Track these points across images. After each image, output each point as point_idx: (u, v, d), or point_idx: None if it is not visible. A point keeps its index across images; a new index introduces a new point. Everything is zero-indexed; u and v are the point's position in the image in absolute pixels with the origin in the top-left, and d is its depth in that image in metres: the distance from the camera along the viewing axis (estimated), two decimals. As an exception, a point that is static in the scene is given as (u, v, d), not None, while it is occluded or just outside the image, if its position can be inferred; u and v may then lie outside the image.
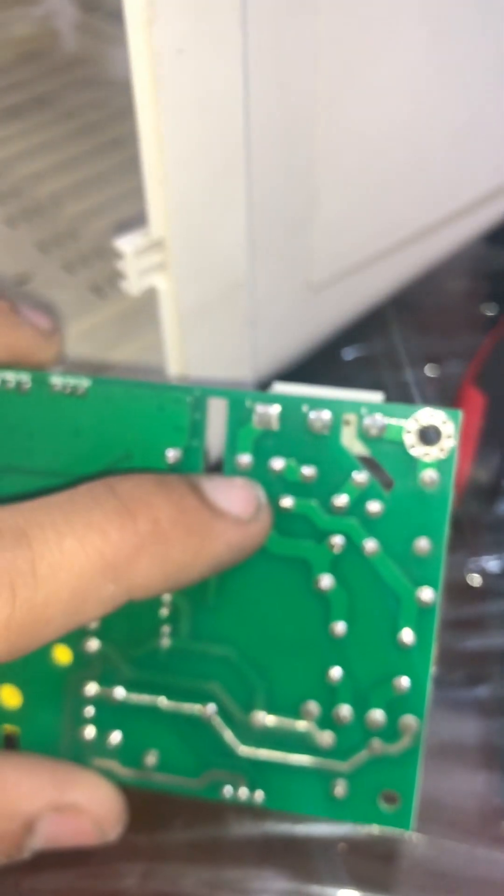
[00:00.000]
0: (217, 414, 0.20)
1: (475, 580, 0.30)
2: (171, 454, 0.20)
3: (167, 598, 0.21)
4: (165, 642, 0.21)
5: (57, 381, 0.20)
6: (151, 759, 0.21)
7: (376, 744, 0.20)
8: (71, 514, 0.17)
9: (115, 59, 0.48)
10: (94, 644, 0.21)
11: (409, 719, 0.20)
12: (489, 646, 0.28)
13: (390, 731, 0.20)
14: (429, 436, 0.19)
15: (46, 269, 0.37)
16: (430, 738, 0.26)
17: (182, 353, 0.24)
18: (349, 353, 0.37)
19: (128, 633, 0.21)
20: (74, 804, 0.20)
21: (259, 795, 0.21)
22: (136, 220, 0.22)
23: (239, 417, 0.20)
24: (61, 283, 0.36)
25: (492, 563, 0.30)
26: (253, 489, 0.19)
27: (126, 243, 0.22)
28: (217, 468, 0.20)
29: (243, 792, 0.21)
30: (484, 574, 0.30)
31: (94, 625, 0.21)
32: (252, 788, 0.21)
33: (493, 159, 0.33)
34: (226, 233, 0.23)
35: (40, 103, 0.46)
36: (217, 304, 0.24)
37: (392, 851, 0.24)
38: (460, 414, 0.19)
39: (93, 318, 0.35)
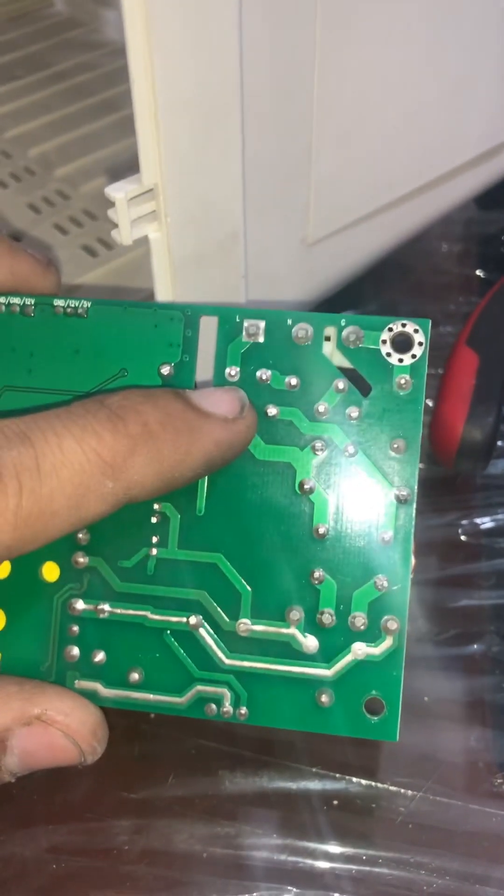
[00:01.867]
0: (207, 332, 0.21)
1: (465, 539, 0.30)
2: (165, 370, 0.21)
3: (156, 506, 0.21)
4: (154, 552, 0.21)
5: (59, 302, 0.22)
6: (136, 676, 0.21)
7: (360, 646, 0.21)
8: (67, 421, 0.18)
9: (108, 21, 0.47)
10: (83, 558, 0.22)
11: (391, 620, 0.21)
12: (481, 604, 0.28)
13: (373, 633, 0.21)
14: (402, 343, 0.21)
15: (39, 229, 0.37)
16: (423, 695, 0.26)
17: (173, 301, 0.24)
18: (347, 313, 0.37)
19: (117, 544, 0.22)
20: (43, 715, 0.20)
21: (243, 712, 0.21)
22: (129, 168, 0.22)
23: (228, 332, 0.21)
24: (54, 242, 0.36)
25: (484, 523, 0.30)
26: (236, 393, 0.20)
27: (117, 190, 0.21)
28: (207, 384, 0.21)
29: (227, 709, 0.21)
30: (476, 533, 0.30)
31: (83, 538, 0.21)
32: (236, 705, 0.21)
33: (486, 122, 0.33)
34: (220, 182, 0.23)
35: (32, 64, 0.46)
36: (212, 255, 0.24)
37: (386, 807, 0.24)
38: (429, 323, 0.21)
39: (85, 277, 0.35)
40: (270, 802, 0.24)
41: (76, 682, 0.22)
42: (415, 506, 0.21)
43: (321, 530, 0.21)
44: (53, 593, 0.22)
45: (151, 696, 0.21)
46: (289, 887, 0.23)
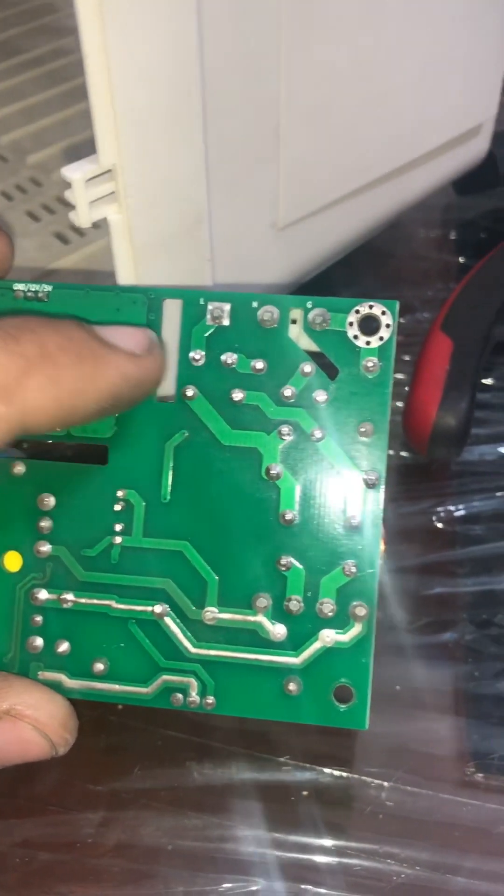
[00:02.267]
0: (171, 315, 0.21)
1: (440, 527, 0.29)
2: None
3: (120, 493, 0.21)
4: (118, 540, 0.21)
5: (20, 287, 0.21)
6: (100, 666, 0.21)
7: (328, 633, 0.20)
8: None
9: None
10: (45, 547, 0.21)
11: (359, 606, 0.20)
12: (455, 591, 0.28)
13: (342, 619, 0.20)
14: (369, 326, 0.20)
15: (11, 216, 0.36)
16: (395, 684, 0.26)
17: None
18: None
19: (80, 532, 0.21)
20: (11, 710, 0.20)
21: (210, 701, 0.21)
22: (87, 147, 0.21)
23: (192, 315, 0.21)
24: (26, 230, 0.36)
25: (459, 510, 0.30)
26: (145, 332, 0.20)
27: (73, 171, 0.21)
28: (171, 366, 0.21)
29: (194, 698, 0.21)
30: (451, 520, 0.29)
31: (45, 526, 0.21)
32: (203, 694, 0.21)
33: (461, 104, 0.33)
34: (182, 163, 0.23)
35: (6, 50, 0.45)
36: (175, 238, 0.24)
37: (356, 797, 0.24)
38: (396, 304, 0.20)
39: (57, 264, 0.35)
40: (238, 793, 0.24)
41: (40, 673, 0.21)
42: (383, 490, 0.20)
43: (288, 516, 0.21)
44: (16, 583, 0.21)
45: (117, 687, 0.21)
46: (256, 879, 0.23)
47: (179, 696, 0.21)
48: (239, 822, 0.24)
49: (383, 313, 0.20)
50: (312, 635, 0.21)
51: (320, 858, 0.23)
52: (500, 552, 0.28)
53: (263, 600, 0.21)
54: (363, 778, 0.24)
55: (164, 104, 0.21)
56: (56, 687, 0.21)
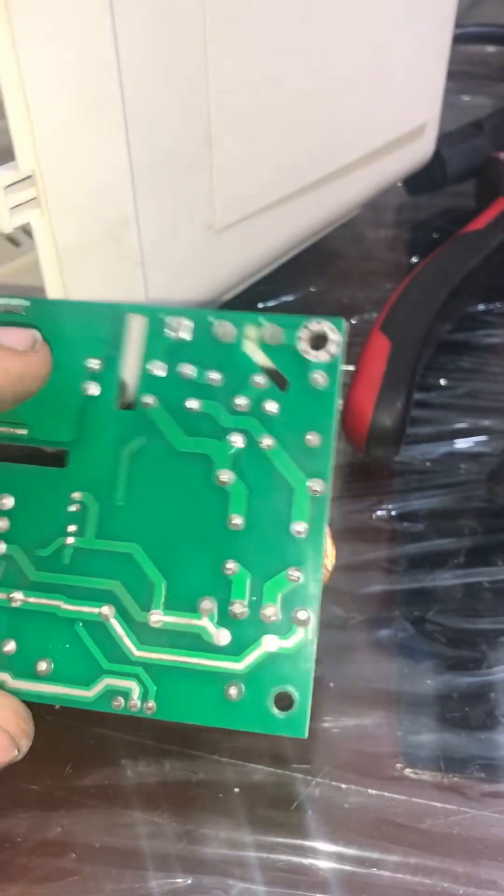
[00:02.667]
0: (134, 329, 0.22)
1: (379, 524, 0.30)
2: (93, 363, 0.22)
3: (75, 495, 0.21)
4: (70, 541, 0.21)
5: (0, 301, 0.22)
6: (44, 666, 0.21)
7: (270, 639, 0.21)
8: None
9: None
10: (0, 546, 0.21)
11: (302, 612, 0.21)
12: (392, 589, 0.28)
13: (285, 625, 0.21)
14: (318, 341, 0.21)
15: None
16: (328, 680, 0.26)
17: (64, 291, 0.24)
18: (265, 303, 0.37)
19: (34, 532, 0.21)
20: None
21: (150, 706, 0.21)
22: (6, 153, 0.21)
23: (154, 329, 0.22)
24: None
25: (397, 508, 0.30)
26: (27, 329, 0.21)
27: (-8, 177, 0.21)
28: (132, 376, 0.22)
29: (135, 702, 0.21)
30: (390, 518, 0.30)
31: (3, 526, 0.21)
32: (144, 698, 0.21)
33: (403, 103, 0.33)
34: (105, 167, 0.23)
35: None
36: (101, 243, 0.24)
37: (284, 794, 0.24)
38: (343, 322, 0.22)
39: (8, 266, 0.35)
40: (170, 791, 0.24)
41: None
42: (329, 498, 0.21)
43: (235, 521, 0.21)
44: None
45: (59, 689, 0.21)
46: (185, 875, 0.23)
47: (121, 699, 0.21)
48: (169, 819, 0.24)
49: (331, 330, 0.21)
50: (255, 640, 0.21)
51: (248, 854, 0.23)
52: (436, 549, 0.29)
53: (208, 604, 0.21)
54: (293, 774, 0.24)
55: (82, 111, 0.21)
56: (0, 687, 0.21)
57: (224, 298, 0.34)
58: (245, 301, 0.36)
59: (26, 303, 0.22)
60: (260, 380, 0.21)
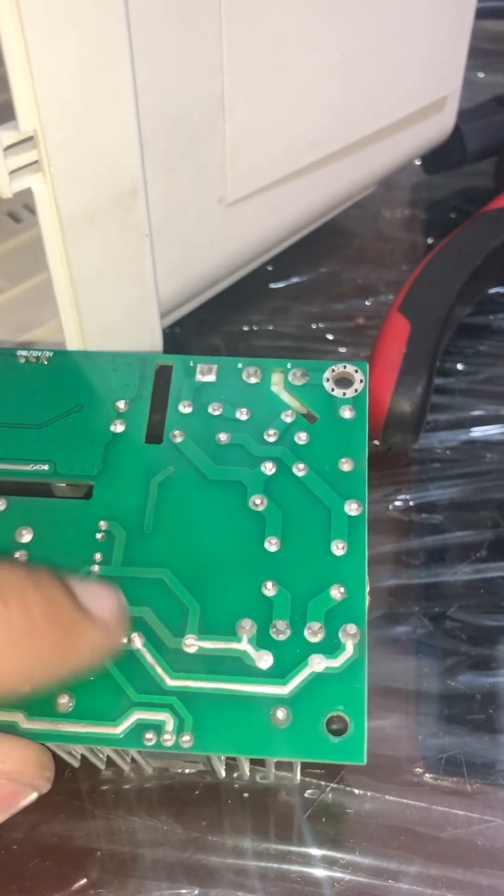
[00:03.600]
0: (162, 375, 0.23)
1: (396, 516, 0.28)
2: (121, 404, 0.22)
3: (102, 524, 0.21)
4: (95, 569, 0.20)
5: (23, 353, 0.23)
6: (65, 703, 0.19)
7: (317, 658, 0.19)
8: None
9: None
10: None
11: (350, 627, 0.19)
12: (409, 583, 0.27)
13: (331, 643, 0.19)
14: (343, 383, 0.23)
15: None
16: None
17: (67, 263, 0.22)
18: (280, 283, 0.35)
19: (56, 562, 0.20)
20: None
21: (186, 739, 0.18)
22: (7, 112, 0.20)
23: (182, 372, 0.23)
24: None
25: (415, 499, 0.28)
26: (116, 592, 0.19)
27: (-9, 137, 0.19)
28: (161, 416, 0.22)
29: (168, 736, 0.18)
30: (407, 509, 0.28)
31: (20, 558, 0.20)
32: (179, 731, 0.19)
33: (421, 75, 0.31)
34: (112, 130, 0.21)
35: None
36: (106, 211, 0.22)
37: (295, 800, 0.23)
38: (366, 365, 0.23)
39: (8, 244, 0.34)
40: (175, 795, 0.23)
41: None
42: (366, 517, 0.21)
43: (273, 543, 0.20)
44: None
45: (82, 727, 0.19)
46: (191, 886, 0.22)
47: (153, 734, 0.19)
48: (174, 825, 0.22)
49: (356, 371, 0.23)
50: (301, 661, 0.19)
51: (258, 864, 0.22)
52: (456, 542, 0.27)
53: (248, 625, 0.19)
54: (306, 779, 0.23)
55: (86, 67, 0.20)
56: (11, 728, 0.19)
57: (235, 277, 0.32)
58: (259, 280, 0.35)
59: (49, 353, 0.23)
60: (289, 415, 0.22)
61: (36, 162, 0.20)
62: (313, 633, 0.19)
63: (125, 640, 0.19)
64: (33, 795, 0.19)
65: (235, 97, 0.25)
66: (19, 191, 0.21)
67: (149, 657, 0.19)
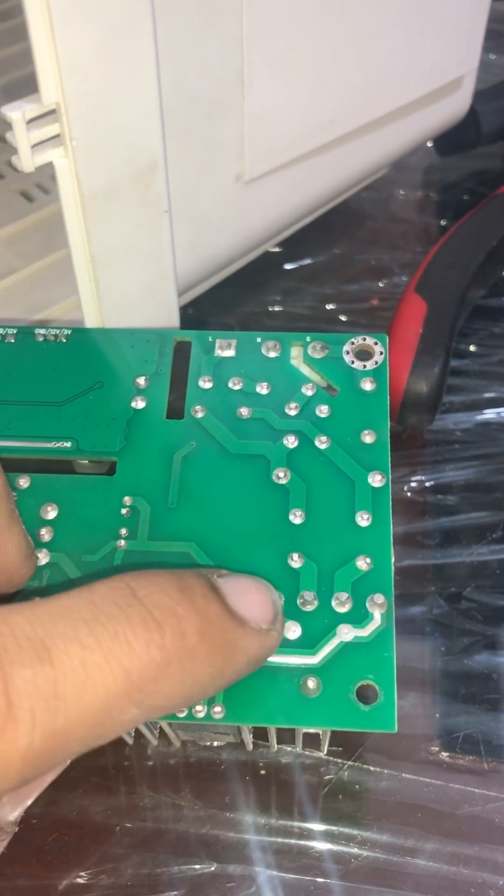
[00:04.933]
0: (181, 350, 0.23)
1: (412, 497, 0.28)
2: (141, 380, 0.22)
3: (126, 500, 0.21)
4: (122, 544, 0.20)
5: (41, 331, 0.23)
6: None
7: (345, 628, 0.19)
8: (94, 625, 0.15)
9: None
10: (43, 556, 0.20)
11: (377, 597, 0.19)
12: (424, 564, 0.27)
13: (359, 613, 0.19)
14: (363, 354, 0.22)
15: (-27, 173, 0.35)
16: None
17: (87, 239, 0.22)
18: (293, 264, 0.35)
19: (82, 539, 0.20)
20: None
21: (218, 710, 0.19)
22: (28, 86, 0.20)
23: (202, 348, 0.23)
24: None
25: (430, 480, 0.28)
26: (268, 592, 0.18)
27: (13, 109, 0.19)
28: (181, 392, 0.22)
29: (200, 708, 0.19)
30: (422, 490, 0.28)
31: (45, 535, 0.20)
32: (210, 702, 0.19)
33: (439, 54, 0.31)
34: (132, 106, 0.21)
35: None
36: (127, 187, 0.22)
37: (313, 777, 0.23)
38: (386, 337, 0.23)
39: (21, 223, 0.34)
40: (191, 773, 0.23)
41: None
42: (390, 488, 0.21)
43: (297, 516, 0.20)
44: None
45: None
46: (209, 861, 0.22)
47: None
48: (192, 801, 0.23)
49: (376, 344, 0.23)
50: (329, 631, 0.19)
51: (275, 839, 0.22)
52: (472, 523, 0.27)
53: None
54: (322, 756, 0.23)
55: (110, 40, 0.20)
56: None
57: (250, 256, 0.32)
58: (273, 261, 0.35)
59: (68, 331, 0.23)
60: (310, 388, 0.22)
61: (58, 136, 0.20)
62: (341, 603, 0.19)
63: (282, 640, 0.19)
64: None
65: (255, 74, 0.25)
66: (41, 164, 0.20)
67: None
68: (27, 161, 0.20)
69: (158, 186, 0.23)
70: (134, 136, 0.22)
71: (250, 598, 0.18)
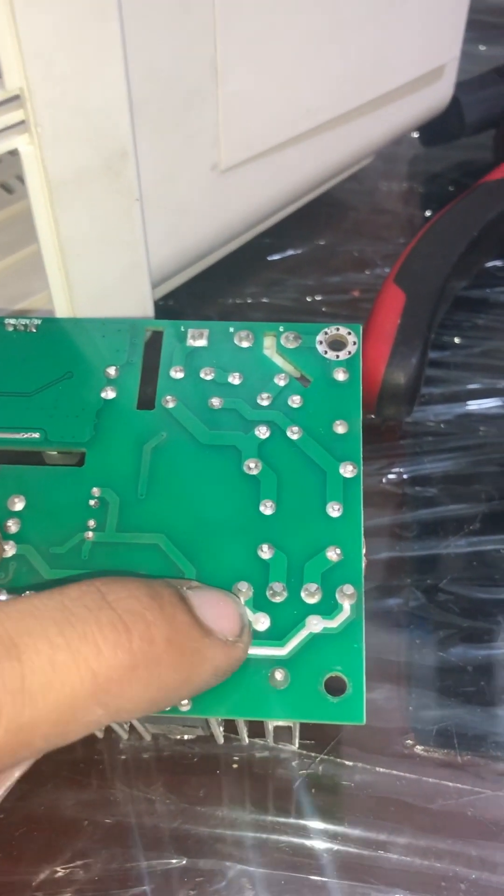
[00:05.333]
0: (153, 340, 0.23)
1: (390, 489, 0.28)
2: (111, 370, 0.22)
3: (95, 491, 0.20)
4: (90, 536, 0.20)
5: (11, 321, 0.23)
6: None
7: (315, 619, 0.19)
8: (64, 625, 0.15)
9: None
10: (10, 547, 0.20)
11: (347, 588, 0.19)
12: (402, 556, 0.26)
13: (328, 604, 0.19)
14: (336, 345, 0.22)
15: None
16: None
17: (55, 228, 0.22)
18: (275, 256, 0.35)
19: (49, 530, 0.20)
20: None
21: (185, 703, 0.18)
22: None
23: (174, 338, 0.23)
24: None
25: (409, 472, 0.28)
26: (236, 605, 0.19)
27: (-24, 94, 0.19)
28: (153, 382, 0.22)
29: None
30: (400, 482, 0.28)
31: (12, 527, 0.20)
32: None
33: (421, 42, 0.31)
34: (100, 91, 0.21)
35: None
36: (96, 175, 0.22)
37: (285, 771, 0.23)
38: (360, 327, 0.22)
39: (0, 214, 0.33)
40: (165, 767, 0.23)
41: None
42: (361, 479, 0.21)
43: (268, 507, 0.20)
44: None
45: None
46: (179, 855, 0.21)
47: None
48: (163, 796, 0.22)
49: (349, 334, 0.22)
50: (298, 622, 0.19)
51: (246, 834, 0.22)
52: (450, 515, 0.27)
53: (244, 588, 0.19)
54: (296, 750, 0.23)
55: (75, 23, 0.19)
56: None
57: (229, 248, 0.32)
58: (254, 253, 0.34)
59: (37, 321, 0.23)
60: (282, 378, 0.22)
61: (23, 122, 0.20)
62: (310, 594, 0.19)
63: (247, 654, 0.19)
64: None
65: (228, 60, 0.25)
66: (5, 151, 0.20)
67: None
68: (-9, 147, 0.20)
69: (129, 174, 0.23)
70: (102, 121, 0.21)
71: (218, 610, 0.18)
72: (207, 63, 0.24)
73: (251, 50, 0.25)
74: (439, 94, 0.33)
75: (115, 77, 0.21)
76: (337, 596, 0.19)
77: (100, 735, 0.23)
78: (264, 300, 0.33)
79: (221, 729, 0.22)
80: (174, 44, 0.23)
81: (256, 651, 0.19)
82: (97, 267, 0.24)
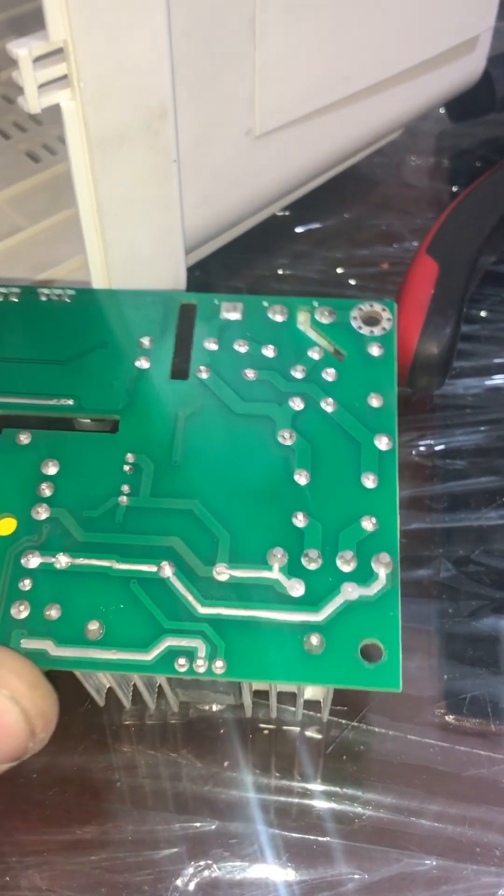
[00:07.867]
0: (187, 313, 0.23)
1: (420, 461, 0.28)
2: (146, 341, 0.22)
3: (129, 457, 0.20)
4: (124, 500, 0.20)
5: (45, 291, 0.23)
6: (95, 629, 0.19)
7: (350, 586, 0.19)
8: None
9: None
10: (44, 509, 0.20)
11: (383, 556, 0.19)
12: (432, 527, 0.26)
13: (364, 573, 0.19)
14: (370, 321, 0.22)
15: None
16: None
17: (94, 187, 0.22)
18: (303, 228, 0.35)
19: (83, 494, 0.20)
20: None
21: (220, 665, 0.18)
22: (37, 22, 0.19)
23: (207, 312, 0.23)
24: (-4, 147, 0.34)
25: (439, 444, 0.28)
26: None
27: (20, 46, 0.19)
28: (186, 354, 0.22)
29: (201, 662, 0.18)
30: (431, 454, 0.28)
31: (46, 490, 0.20)
32: (212, 657, 0.18)
33: (455, 13, 0.30)
34: (142, 48, 0.21)
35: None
36: (136, 133, 0.22)
37: (317, 738, 0.23)
38: (395, 304, 0.23)
39: (27, 183, 0.33)
40: (195, 730, 0.23)
41: (22, 641, 0.19)
42: (396, 451, 0.21)
43: (303, 476, 0.20)
44: (6, 547, 0.20)
45: (112, 653, 0.18)
46: (210, 819, 0.21)
47: (185, 660, 0.18)
48: (193, 759, 0.22)
49: (384, 310, 0.23)
50: (334, 589, 0.19)
51: (278, 798, 0.22)
52: (481, 488, 0.27)
53: (279, 554, 0.19)
54: (326, 717, 0.23)
55: (121, -25, 0.19)
56: (40, 657, 0.19)
57: (258, 217, 0.32)
58: (281, 225, 0.34)
59: (72, 292, 0.23)
60: (316, 352, 0.22)
61: (65, 77, 0.20)
62: (346, 562, 0.19)
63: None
64: (28, 744, 0.18)
65: (268, 23, 0.24)
66: (47, 106, 0.20)
67: (179, 585, 0.19)
68: (33, 102, 0.20)
69: (168, 134, 0.22)
70: (144, 79, 0.21)
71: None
72: (246, 25, 0.24)
73: (290, 14, 0.25)
74: (472, 66, 0.33)
75: (159, 33, 0.21)
76: (373, 564, 0.19)
77: (101, 702, 0.22)
78: (292, 272, 0.33)
79: (251, 698, 0.22)
80: (214, 2, 0.23)
81: (292, 616, 0.19)
82: (134, 228, 0.23)
